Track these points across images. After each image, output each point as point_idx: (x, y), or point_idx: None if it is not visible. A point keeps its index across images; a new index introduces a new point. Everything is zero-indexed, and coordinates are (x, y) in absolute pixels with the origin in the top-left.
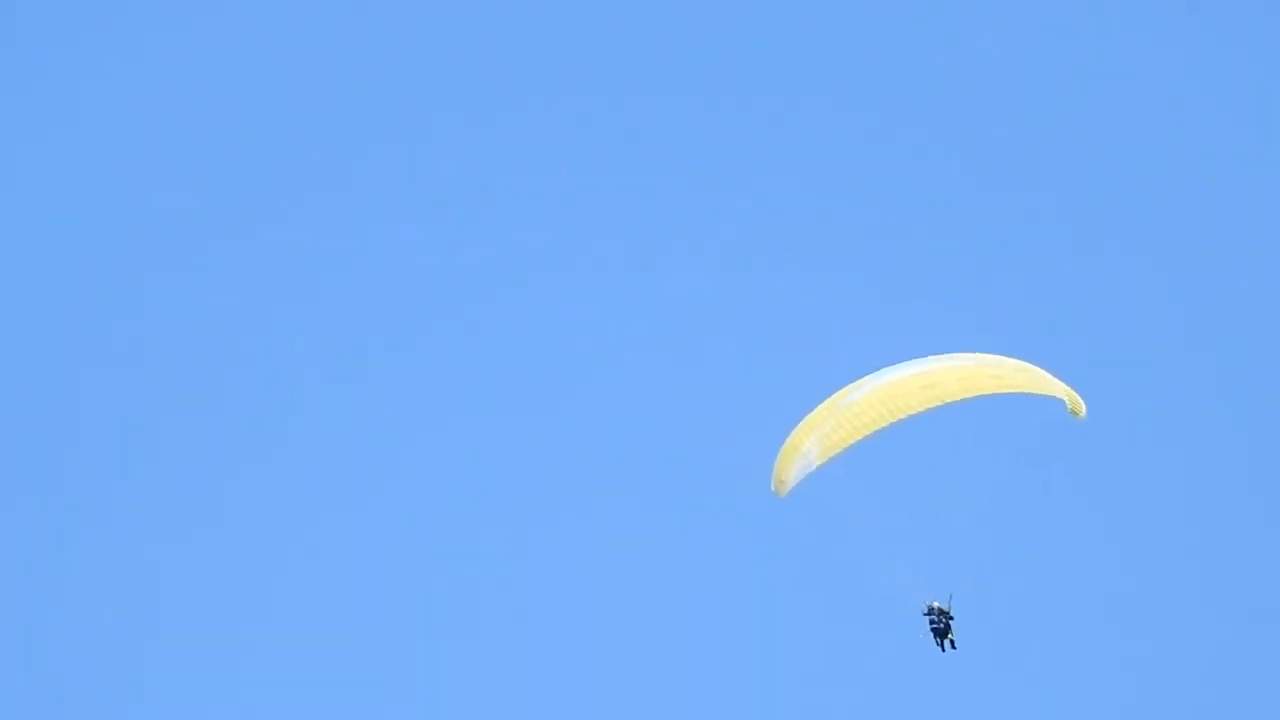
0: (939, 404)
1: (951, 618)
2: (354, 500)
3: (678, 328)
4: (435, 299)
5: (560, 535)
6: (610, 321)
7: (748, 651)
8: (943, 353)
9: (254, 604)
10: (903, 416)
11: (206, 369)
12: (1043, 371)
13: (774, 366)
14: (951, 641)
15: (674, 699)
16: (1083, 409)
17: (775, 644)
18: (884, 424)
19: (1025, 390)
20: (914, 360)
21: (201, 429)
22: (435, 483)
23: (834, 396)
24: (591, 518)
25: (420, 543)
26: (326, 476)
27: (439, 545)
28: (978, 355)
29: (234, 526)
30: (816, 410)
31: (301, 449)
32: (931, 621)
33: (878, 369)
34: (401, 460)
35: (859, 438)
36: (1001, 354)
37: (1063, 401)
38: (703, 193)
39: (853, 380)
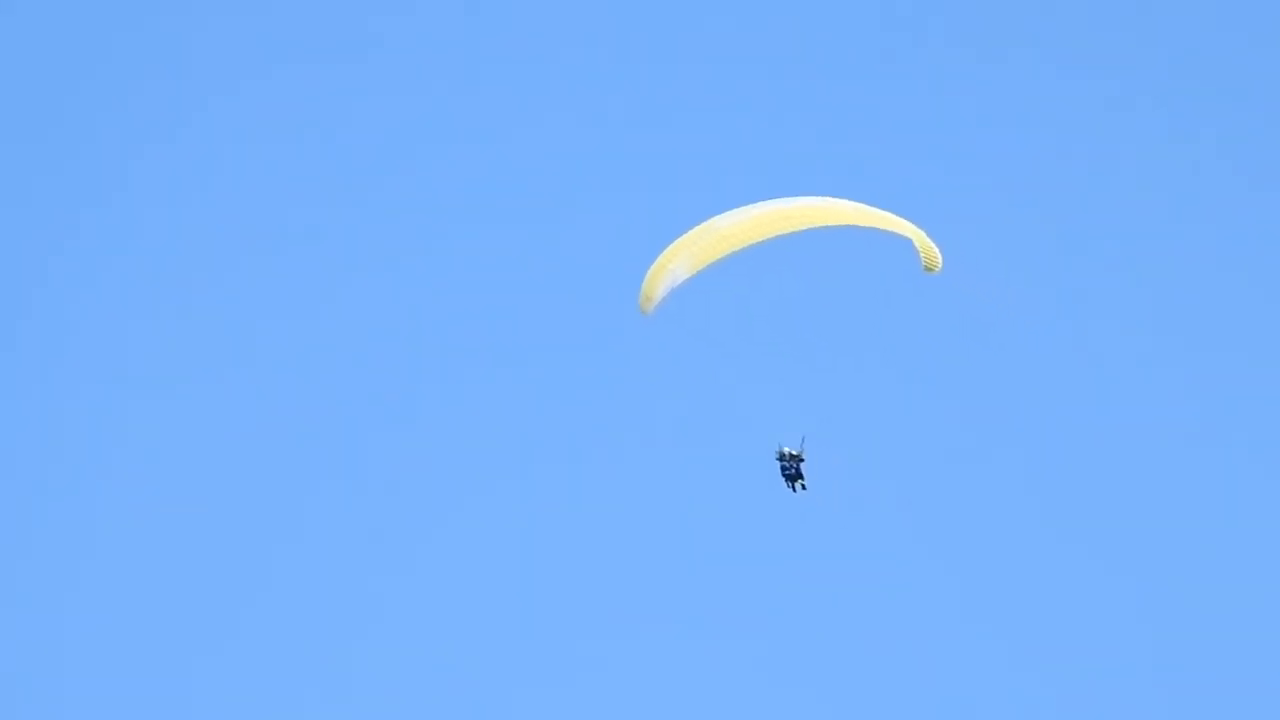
0: (806, 227)
1: (803, 460)
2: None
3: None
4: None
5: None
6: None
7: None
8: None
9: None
10: (770, 236)
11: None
12: (907, 221)
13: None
14: (803, 484)
15: (525, 520)
16: (938, 263)
17: (618, 483)
18: (750, 242)
19: (886, 228)
20: (788, 197)
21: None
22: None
23: (703, 223)
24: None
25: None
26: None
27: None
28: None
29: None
30: (685, 235)
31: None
32: (783, 468)
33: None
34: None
35: (725, 253)
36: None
37: (911, 243)
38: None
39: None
